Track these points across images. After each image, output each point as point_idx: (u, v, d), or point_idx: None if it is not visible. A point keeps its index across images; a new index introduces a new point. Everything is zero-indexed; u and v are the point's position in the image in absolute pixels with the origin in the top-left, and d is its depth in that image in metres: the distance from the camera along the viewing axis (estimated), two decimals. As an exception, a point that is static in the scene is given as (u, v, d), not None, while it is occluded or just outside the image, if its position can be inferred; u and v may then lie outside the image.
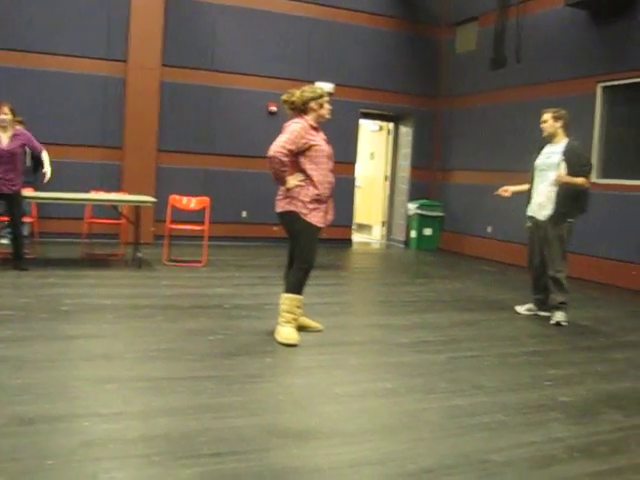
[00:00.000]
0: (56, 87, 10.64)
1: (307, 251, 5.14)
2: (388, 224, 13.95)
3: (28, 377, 3.93)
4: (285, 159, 4.97)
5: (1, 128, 7.62)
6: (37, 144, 7.91)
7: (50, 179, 8.03)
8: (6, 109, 7.63)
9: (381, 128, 14.16)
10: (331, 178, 5.18)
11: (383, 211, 14.07)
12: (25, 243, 8.19)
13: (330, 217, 5.28)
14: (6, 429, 3.15)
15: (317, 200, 5.06)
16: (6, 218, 8.10)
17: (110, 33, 10.87)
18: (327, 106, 5.21)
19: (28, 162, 9.97)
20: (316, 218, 5.08)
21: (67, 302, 6.08)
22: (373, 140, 14.52)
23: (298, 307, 5.19)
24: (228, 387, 3.95)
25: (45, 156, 7.96)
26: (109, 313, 5.78)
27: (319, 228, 5.14)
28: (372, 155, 14.59)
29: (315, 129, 5.13)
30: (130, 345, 4.82)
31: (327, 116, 5.23)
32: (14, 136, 7.66)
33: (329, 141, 5.25)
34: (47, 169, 7.97)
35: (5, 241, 9.80)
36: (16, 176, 7.69)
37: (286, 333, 5.06)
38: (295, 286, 5.16)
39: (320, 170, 5.06)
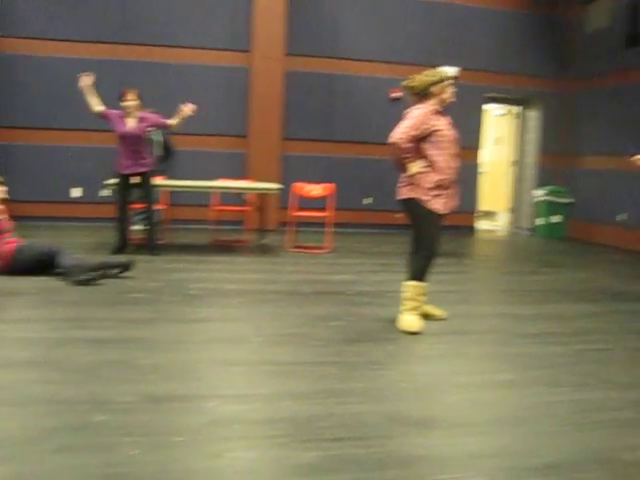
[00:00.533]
0: (183, 79, 11.00)
1: (429, 238, 5.09)
2: (514, 211, 13.60)
3: (158, 357, 4.10)
4: (407, 146, 4.92)
5: (127, 113, 7.96)
6: (162, 120, 8.15)
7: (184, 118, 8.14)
8: (130, 95, 7.99)
9: (507, 112, 13.80)
10: (455, 164, 5.09)
11: (509, 197, 13.72)
12: (157, 229, 8.48)
13: (453, 204, 5.20)
14: (139, 406, 3.31)
15: (439, 186, 4.99)
16: (139, 205, 8.45)
17: (234, 24, 11.13)
18: (449, 90, 5.12)
19: (159, 151, 10.37)
20: (438, 205, 5.01)
21: (195, 286, 6.30)
22: (498, 125, 14.18)
23: (421, 295, 5.15)
24: (351, 373, 3.98)
25: (176, 118, 8.11)
26: (235, 298, 5.94)
27: (441, 215, 5.07)
28: (498, 140, 14.26)
29: (439, 114, 5.05)
30: (255, 329, 4.94)
31: (450, 100, 5.14)
32: (140, 119, 7.98)
33: (453, 126, 5.16)
34: (184, 115, 8.10)
35: (138, 227, 10.27)
36: (142, 157, 8.03)
37: (409, 321, 5.04)
38: (418, 273, 5.13)
39: (443, 155, 4.98)
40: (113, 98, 10.61)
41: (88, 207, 10.75)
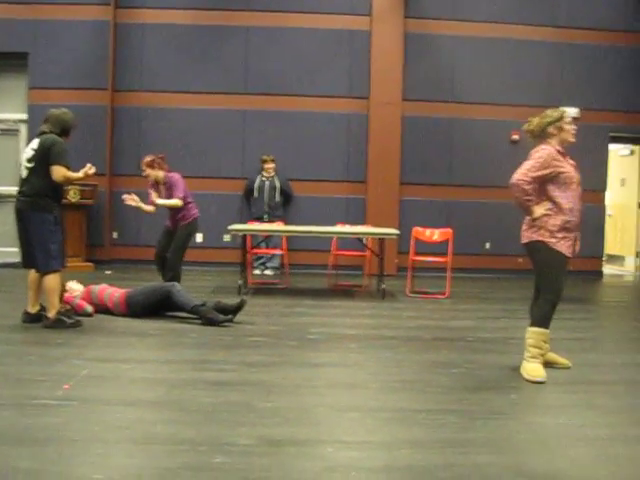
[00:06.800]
0: (302, 127, 11.25)
1: (554, 282, 4.90)
2: (643, 255, 12.99)
3: (276, 401, 4.12)
4: (527, 187, 4.80)
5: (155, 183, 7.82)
6: (175, 191, 7.63)
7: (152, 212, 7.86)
8: (142, 166, 7.76)
9: (632, 152, 13.27)
10: (580, 206, 4.93)
11: (637, 241, 13.12)
12: (276, 274, 8.44)
13: (577, 248, 5.02)
14: (257, 449, 3.32)
15: (566, 229, 4.82)
16: (261, 251, 8.57)
17: (352, 72, 11.32)
18: (568, 127, 4.94)
19: (278, 197, 10.66)
20: (564, 247, 4.84)
21: (314, 331, 6.32)
22: (623, 165, 13.64)
23: (545, 341, 4.96)
24: (471, 422, 3.86)
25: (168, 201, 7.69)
26: (353, 342, 5.92)
27: (567, 258, 4.90)
28: (623, 181, 13.71)
29: (562, 154, 4.92)
30: (373, 375, 4.89)
31: (571, 139, 4.97)
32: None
33: (577, 167, 5.00)
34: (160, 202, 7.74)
35: (257, 271, 10.49)
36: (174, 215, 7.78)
37: (532, 369, 4.86)
38: (541, 319, 4.95)
39: (568, 197, 4.83)
40: (235, 147, 11.06)
41: (210, 252, 11.07)
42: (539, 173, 4.80)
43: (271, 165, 10.68)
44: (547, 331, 4.95)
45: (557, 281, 4.90)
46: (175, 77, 11.17)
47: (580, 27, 11.61)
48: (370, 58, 11.21)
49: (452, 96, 11.45)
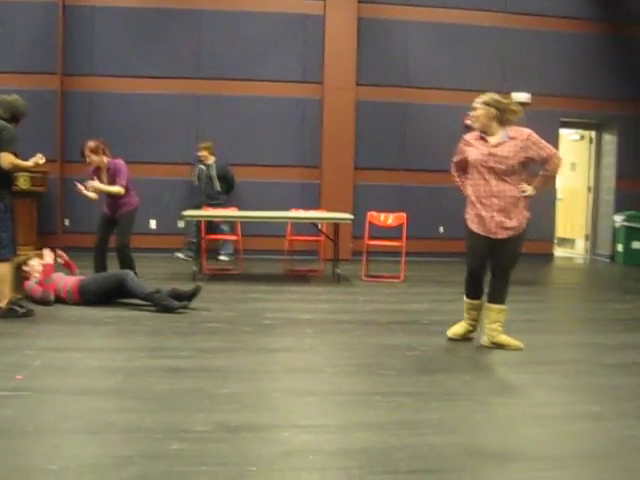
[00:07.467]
0: (256, 112, 11.18)
1: (466, 255, 5.38)
2: (592, 237, 13.24)
3: (233, 387, 4.12)
4: (453, 172, 5.43)
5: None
6: (119, 179, 7.34)
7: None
8: (86, 151, 7.42)
9: (582, 137, 13.50)
10: (491, 187, 5.02)
11: (586, 224, 13.38)
12: (231, 260, 8.45)
13: (498, 232, 5.06)
14: (214, 435, 3.32)
15: (473, 207, 5.16)
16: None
17: (305, 57, 11.29)
18: (471, 112, 5.19)
19: (216, 186, 10.40)
20: (473, 224, 5.18)
21: (269, 316, 6.32)
22: (574, 150, 13.86)
23: (468, 310, 5.43)
24: (426, 404, 3.91)
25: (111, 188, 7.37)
26: (309, 327, 5.94)
27: (474, 234, 5.17)
28: (573, 166, 13.94)
29: (481, 139, 5.10)
30: (329, 359, 4.92)
31: (473, 124, 5.18)
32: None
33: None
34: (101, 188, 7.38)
35: (223, 258, 10.40)
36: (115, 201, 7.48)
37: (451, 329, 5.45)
38: (465, 288, 5.46)
39: (475, 180, 5.11)
40: (188, 132, 10.94)
41: (164, 238, 10.96)
42: (456, 159, 5.34)
43: (204, 152, 10.37)
44: (470, 301, 5.39)
45: (468, 255, 5.36)
46: (126, 61, 10.97)
47: (531, 13, 11.74)
48: (324, 42, 11.18)
49: (406, 81, 11.49)
